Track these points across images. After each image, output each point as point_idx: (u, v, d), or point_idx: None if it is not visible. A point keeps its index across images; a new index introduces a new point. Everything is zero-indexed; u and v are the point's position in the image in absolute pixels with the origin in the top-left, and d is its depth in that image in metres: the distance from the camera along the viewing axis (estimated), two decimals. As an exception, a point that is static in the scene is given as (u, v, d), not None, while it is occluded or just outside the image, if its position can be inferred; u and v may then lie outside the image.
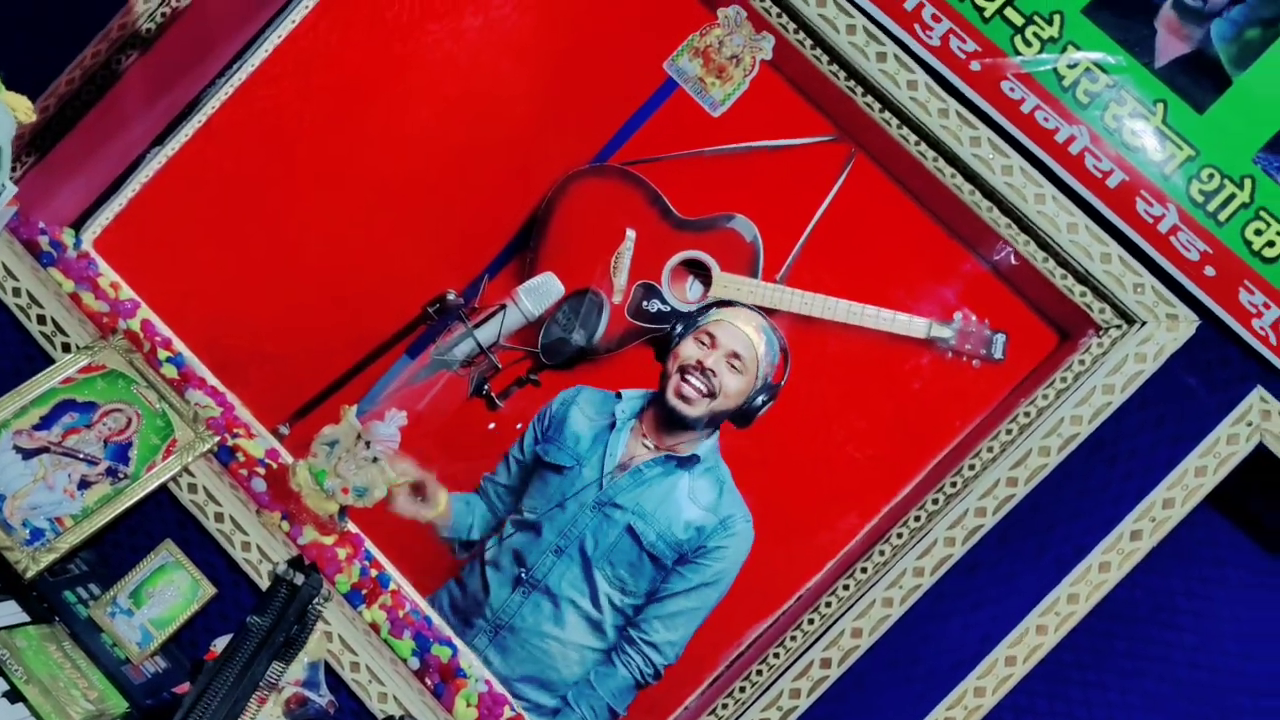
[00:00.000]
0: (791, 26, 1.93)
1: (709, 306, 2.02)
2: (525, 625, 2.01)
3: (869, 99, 1.91)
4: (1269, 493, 1.85)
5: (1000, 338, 1.96)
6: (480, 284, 2.09)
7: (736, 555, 1.99)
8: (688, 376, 1.98)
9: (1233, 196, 1.82)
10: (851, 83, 1.91)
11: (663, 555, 1.98)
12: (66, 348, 1.99)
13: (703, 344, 1.99)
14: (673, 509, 1.99)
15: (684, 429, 2.01)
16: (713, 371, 1.97)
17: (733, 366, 1.98)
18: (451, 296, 2.08)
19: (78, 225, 2.18)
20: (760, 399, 1.99)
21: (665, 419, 2.01)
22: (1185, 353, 1.81)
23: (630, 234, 2.06)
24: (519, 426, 2.05)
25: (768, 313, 2.01)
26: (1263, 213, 1.81)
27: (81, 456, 1.89)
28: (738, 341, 1.98)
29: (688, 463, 2.01)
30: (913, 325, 1.98)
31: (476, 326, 2.07)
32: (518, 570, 2.01)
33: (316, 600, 1.42)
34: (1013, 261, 1.93)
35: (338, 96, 2.16)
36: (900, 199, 2.00)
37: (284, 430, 2.11)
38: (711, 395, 1.98)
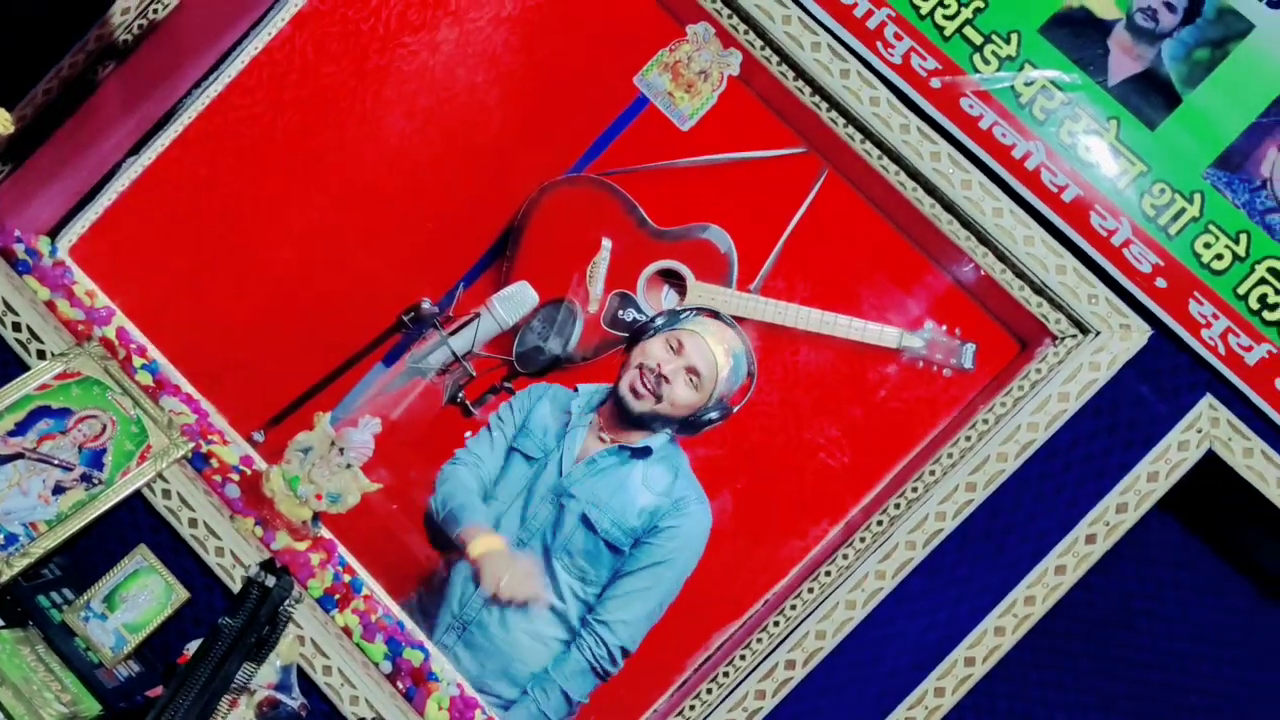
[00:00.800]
0: (758, 43, 1.98)
1: (697, 310, 2.03)
2: (490, 620, 2.01)
3: (834, 114, 1.95)
4: (1258, 528, 1.89)
5: (970, 348, 1.99)
6: (455, 293, 2.10)
7: (690, 536, 1.99)
8: (644, 375, 2.00)
9: (1183, 211, 1.86)
10: (817, 98, 1.95)
11: (618, 542, 1.99)
12: (42, 355, 1.99)
13: (670, 348, 2.00)
14: (627, 496, 2.00)
15: (639, 427, 2.02)
16: (667, 379, 1.99)
17: (689, 381, 1.99)
18: (426, 305, 2.09)
19: (54, 233, 2.18)
20: (710, 416, 2.00)
21: (620, 412, 2.03)
22: (1137, 362, 1.85)
23: (606, 243, 2.07)
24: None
25: (739, 321, 2.02)
26: (1212, 226, 1.86)
27: (56, 462, 1.90)
28: (702, 358, 1.99)
29: (641, 453, 2.02)
30: (884, 335, 2.00)
31: (451, 334, 2.07)
32: None
33: (287, 602, 1.45)
34: (974, 273, 1.96)
35: (313, 108, 2.18)
36: (868, 211, 2.03)
37: (259, 437, 2.12)
38: (658, 399, 1.99)
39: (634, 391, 2.00)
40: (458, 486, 2.06)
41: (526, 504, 2.03)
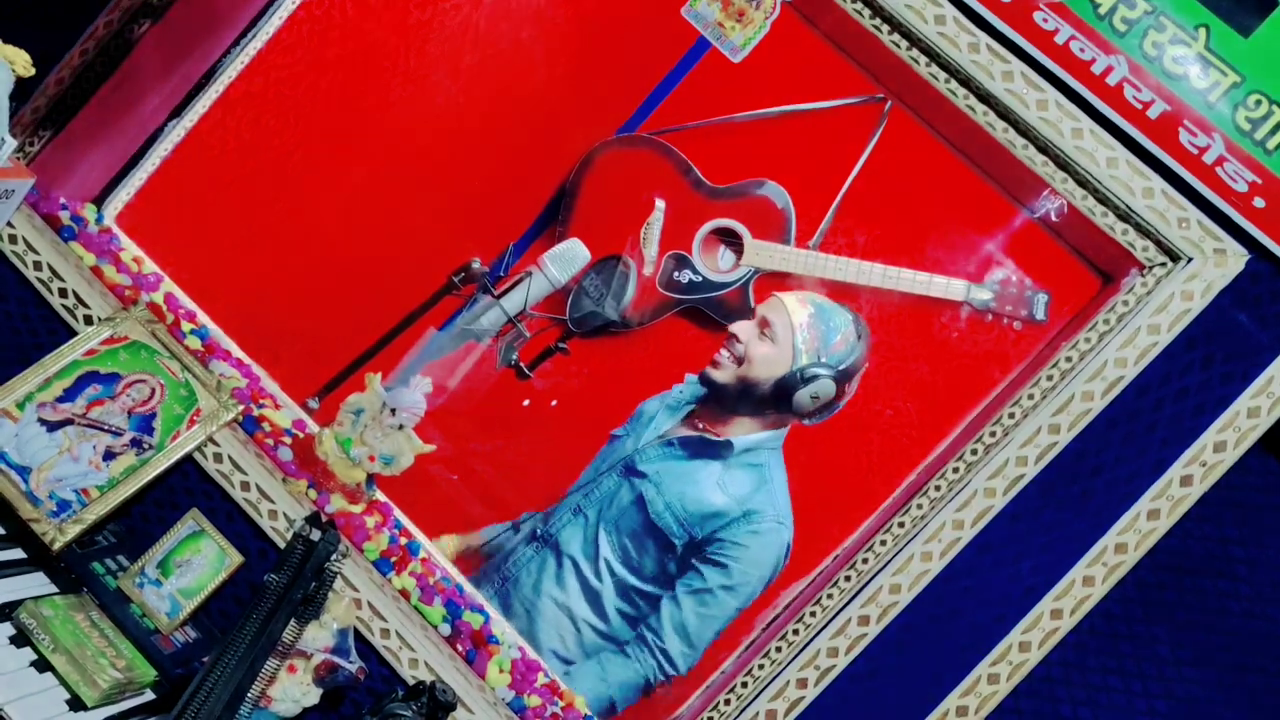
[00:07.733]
0: (812, -36, 1.88)
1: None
2: (528, 579, 2.00)
3: (895, 37, 1.85)
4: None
5: (1042, 297, 1.91)
6: (506, 259, 2.06)
7: (761, 558, 1.94)
8: (723, 345, 1.98)
9: (1282, 123, 1.75)
10: (877, 20, 1.85)
11: (668, 528, 1.95)
12: (89, 320, 1.98)
13: (750, 318, 1.98)
14: (692, 487, 1.96)
15: (734, 412, 1.97)
16: (736, 338, 1.96)
17: (762, 333, 1.95)
18: (476, 264, 2.06)
19: (99, 200, 2.18)
20: (812, 374, 1.92)
21: (716, 402, 1.98)
22: (1234, 288, 1.75)
23: (660, 204, 2.03)
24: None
25: (797, 279, 1.96)
26: (1315, 139, 1.74)
27: (106, 428, 1.89)
28: (772, 310, 1.96)
29: (721, 448, 1.97)
30: (950, 288, 1.93)
31: (502, 295, 2.05)
32: (539, 525, 2.01)
33: (334, 557, 1.39)
34: (1052, 204, 1.87)
35: (356, 66, 2.14)
36: (933, 145, 1.94)
37: (313, 404, 2.11)
38: (738, 362, 1.95)
39: (713, 362, 1.98)
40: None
41: (597, 472, 2.00)
